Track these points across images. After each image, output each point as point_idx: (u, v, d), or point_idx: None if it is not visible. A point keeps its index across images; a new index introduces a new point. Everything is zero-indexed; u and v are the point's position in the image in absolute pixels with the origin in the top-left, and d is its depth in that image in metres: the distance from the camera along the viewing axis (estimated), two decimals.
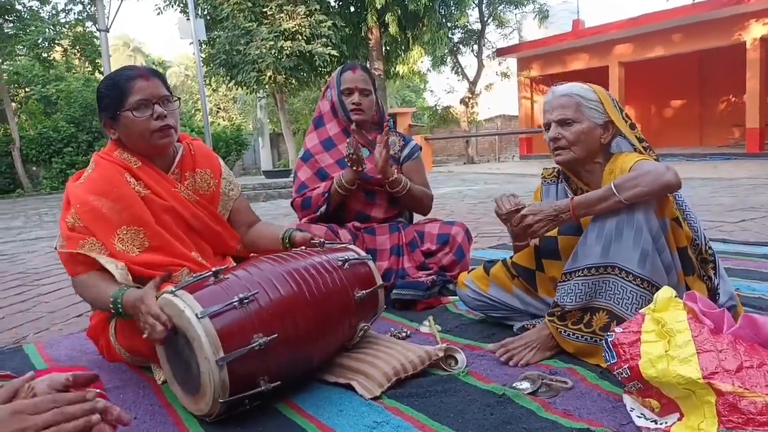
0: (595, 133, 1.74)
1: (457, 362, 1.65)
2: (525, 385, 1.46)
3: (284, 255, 1.60)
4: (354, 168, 2.34)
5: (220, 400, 1.29)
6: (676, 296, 1.27)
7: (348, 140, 2.34)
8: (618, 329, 1.28)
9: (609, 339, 1.28)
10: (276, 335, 1.35)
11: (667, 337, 1.17)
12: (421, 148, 2.69)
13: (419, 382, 1.54)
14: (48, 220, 7.44)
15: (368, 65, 14.19)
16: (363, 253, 1.71)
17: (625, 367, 1.22)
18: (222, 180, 1.94)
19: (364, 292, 1.59)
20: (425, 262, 2.39)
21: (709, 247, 1.74)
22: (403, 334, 1.91)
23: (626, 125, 1.78)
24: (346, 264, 1.60)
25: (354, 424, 1.33)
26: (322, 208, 2.42)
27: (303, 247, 1.73)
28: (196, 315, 1.29)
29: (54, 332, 2.32)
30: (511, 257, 1.88)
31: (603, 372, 1.53)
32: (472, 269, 2.02)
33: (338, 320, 1.53)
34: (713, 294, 1.66)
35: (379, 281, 1.68)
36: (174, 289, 1.36)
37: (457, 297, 2.26)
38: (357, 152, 2.31)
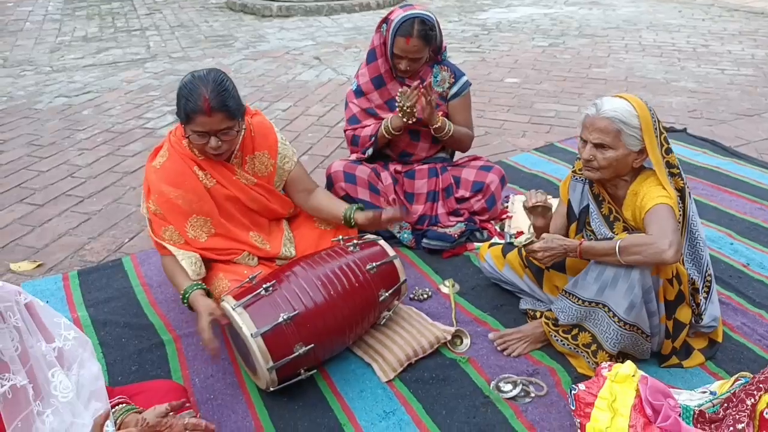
0: (629, 158, 1.80)
1: (462, 342, 2.02)
2: (508, 387, 1.83)
3: (319, 258, 1.89)
4: (405, 120, 2.43)
5: (271, 388, 1.74)
6: (634, 375, 1.52)
7: (401, 90, 2.40)
8: (582, 386, 1.58)
9: (573, 391, 1.59)
10: (313, 345, 1.73)
11: (613, 413, 1.47)
12: (470, 84, 2.68)
13: (427, 364, 1.94)
14: (121, 27, 7.59)
15: None
16: (390, 251, 1.97)
17: (578, 421, 1.55)
18: (278, 156, 2.14)
19: (387, 293, 1.90)
20: (458, 209, 2.61)
21: (709, 274, 1.90)
22: (424, 296, 2.26)
23: (661, 151, 1.80)
24: (374, 269, 1.89)
25: (369, 410, 1.78)
26: (369, 151, 2.58)
27: (339, 244, 1.99)
28: (251, 334, 1.67)
29: (145, 237, 2.78)
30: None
31: (577, 376, 1.87)
32: (492, 244, 2.25)
33: (364, 316, 1.88)
34: (698, 317, 1.88)
35: (402, 277, 1.97)
36: (234, 306, 1.72)
37: (480, 244, 2.54)
38: (411, 105, 2.38)
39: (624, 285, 1.70)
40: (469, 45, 6.34)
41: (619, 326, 1.74)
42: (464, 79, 2.65)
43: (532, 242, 1.83)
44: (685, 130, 3.88)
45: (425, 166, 2.64)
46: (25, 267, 2.56)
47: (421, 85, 2.37)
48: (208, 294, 1.92)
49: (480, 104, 4.43)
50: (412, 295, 2.26)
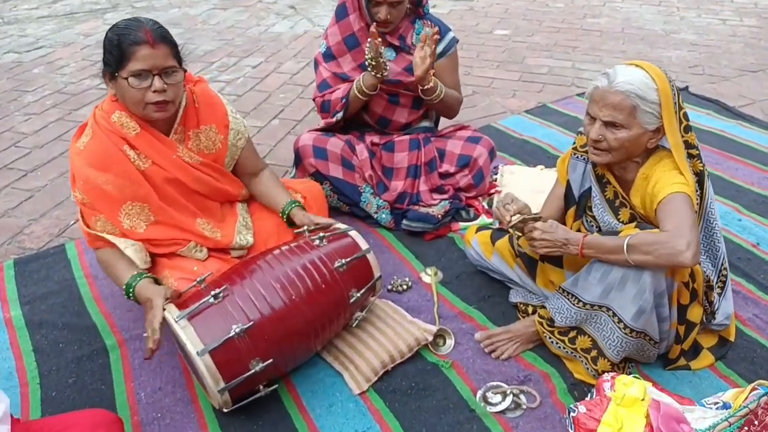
0: (643, 138, 1.54)
1: (445, 343, 1.80)
2: (497, 399, 1.61)
3: (279, 254, 1.63)
4: (375, 74, 2.13)
5: (224, 409, 1.50)
6: (644, 399, 1.30)
7: (368, 42, 2.08)
8: (582, 408, 1.36)
9: (572, 413, 1.37)
10: (272, 360, 1.49)
11: None
12: (458, 41, 2.36)
13: (406, 370, 1.71)
14: None
15: None
16: (363, 244, 1.71)
17: None
18: (229, 132, 1.84)
19: (359, 293, 1.66)
20: (442, 185, 2.34)
21: (724, 268, 1.67)
22: (404, 287, 2.02)
23: (679, 129, 1.54)
24: (343, 266, 1.63)
25: (339, 429, 1.56)
26: (339, 114, 2.28)
27: (303, 236, 1.72)
28: (197, 352, 1.42)
29: None
30: (518, 237, 1.85)
31: (574, 383, 1.66)
32: (480, 228, 2.00)
33: (332, 320, 1.64)
34: (710, 315, 1.66)
35: (377, 273, 1.72)
36: (177, 318, 1.46)
37: (467, 225, 2.29)
38: (377, 56, 2.08)
39: (633, 288, 1.46)
40: None
41: (625, 333, 1.51)
42: (450, 35, 2.34)
43: (532, 219, 1.58)
44: (687, 88, 3.59)
45: (406, 137, 2.35)
46: None
47: (429, 37, 2.05)
48: (158, 282, 1.66)
49: (467, 60, 4.09)
50: (389, 287, 2.02)
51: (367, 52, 2.10)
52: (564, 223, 1.86)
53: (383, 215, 2.29)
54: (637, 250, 1.42)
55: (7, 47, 4.59)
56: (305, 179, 2.18)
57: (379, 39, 2.05)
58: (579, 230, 1.81)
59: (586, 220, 1.79)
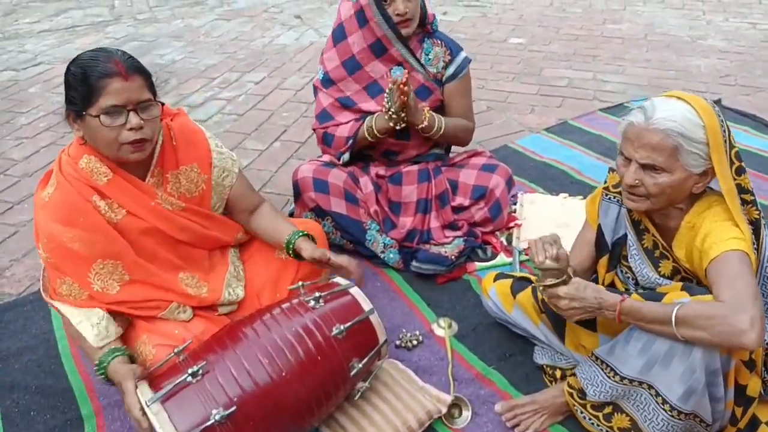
0: (687, 183, 1.32)
1: (460, 414, 1.58)
2: None
3: (268, 319, 1.42)
4: (392, 123, 1.93)
5: None
6: None
7: (389, 88, 1.87)
8: None
9: None
10: None
11: None
12: (470, 61, 2.14)
13: None
14: None
15: None
16: (366, 304, 1.50)
17: None
18: (213, 170, 1.65)
19: (361, 363, 1.44)
20: (455, 221, 2.12)
21: None
22: (414, 342, 1.80)
23: (731, 171, 1.31)
24: (343, 333, 1.42)
25: None
26: (345, 157, 2.07)
27: (298, 293, 1.52)
28: None
29: None
30: (538, 281, 1.62)
31: None
32: (499, 276, 1.77)
33: (329, 395, 1.42)
34: None
35: (382, 337, 1.51)
36: (149, 402, 1.26)
37: (484, 264, 2.07)
38: (398, 108, 1.87)
39: (681, 365, 1.23)
40: None
41: (671, 415, 1.28)
42: (462, 55, 2.12)
43: (555, 284, 1.35)
44: (719, 101, 3.33)
45: (414, 168, 2.14)
46: None
47: (400, 83, 1.83)
48: (132, 359, 1.46)
49: (481, 72, 3.87)
50: (398, 342, 1.80)
51: (387, 101, 1.90)
52: (595, 273, 1.65)
53: (391, 255, 2.08)
54: (689, 324, 1.19)
55: (5, 64, 4.45)
56: (303, 219, 1.97)
57: (407, 88, 1.83)
58: (613, 282, 1.59)
59: (621, 271, 1.57)
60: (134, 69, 1.41)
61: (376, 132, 1.98)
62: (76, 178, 1.47)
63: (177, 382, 1.30)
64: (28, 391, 1.74)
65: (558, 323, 1.60)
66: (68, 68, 1.41)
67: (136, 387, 1.32)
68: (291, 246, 1.63)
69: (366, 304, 1.50)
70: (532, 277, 1.72)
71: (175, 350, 1.39)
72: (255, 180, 2.76)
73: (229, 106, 3.60)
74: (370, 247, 2.09)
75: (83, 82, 1.37)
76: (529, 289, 1.66)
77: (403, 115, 1.91)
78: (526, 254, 2.11)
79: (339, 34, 2.05)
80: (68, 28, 5.31)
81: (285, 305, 1.48)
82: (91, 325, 1.44)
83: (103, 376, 1.42)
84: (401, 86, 1.81)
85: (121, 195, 1.50)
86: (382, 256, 2.09)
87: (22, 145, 3.24)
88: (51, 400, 1.71)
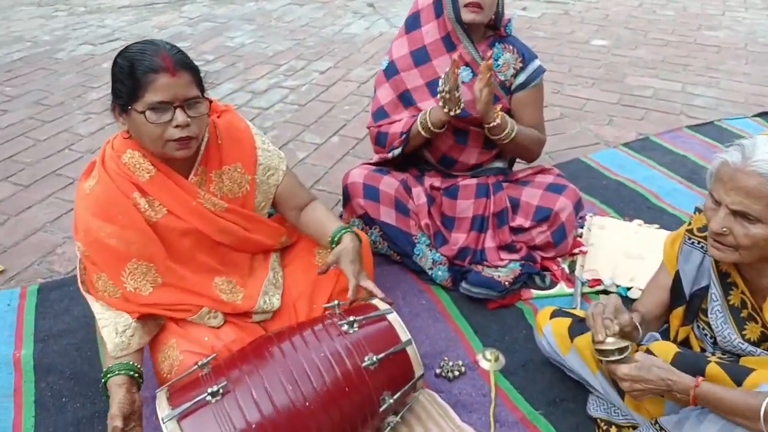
0: None
1: None
2: None
3: (297, 340, 1.33)
4: (447, 110, 1.78)
5: None
6: None
7: (445, 72, 1.73)
8: None
9: None
10: None
11: None
12: (544, 71, 1.95)
13: None
14: None
15: None
16: (404, 334, 1.37)
17: None
18: (258, 168, 1.56)
19: (393, 398, 1.32)
20: (513, 242, 1.95)
21: None
22: (456, 372, 1.66)
23: None
24: (375, 364, 1.30)
25: None
26: (396, 151, 1.94)
27: (333, 313, 1.41)
28: None
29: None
30: (597, 350, 1.44)
31: None
32: (557, 312, 1.60)
33: (356, 430, 1.31)
34: None
35: (419, 371, 1.38)
36: (165, 419, 1.20)
37: (541, 293, 1.90)
38: (453, 91, 1.72)
39: None
40: None
41: None
42: (535, 64, 1.93)
43: (615, 360, 1.19)
44: None
45: (473, 182, 1.98)
46: None
47: (484, 64, 1.68)
48: (137, 377, 1.38)
49: (557, 75, 3.63)
50: (438, 370, 1.67)
51: (442, 83, 1.75)
52: (667, 323, 1.45)
53: (439, 272, 1.94)
54: None
55: (84, 38, 4.59)
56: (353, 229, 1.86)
57: (461, 67, 1.68)
58: (687, 338, 1.40)
59: (699, 327, 1.37)
60: (182, 64, 1.34)
61: (430, 125, 1.83)
62: (117, 174, 1.42)
63: (196, 400, 1.22)
64: (62, 376, 1.73)
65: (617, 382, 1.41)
66: (116, 60, 1.36)
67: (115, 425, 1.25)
68: (336, 238, 1.52)
69: (404, 334, 1.38)
70: None
71: (199, 363, 1.33)
72: (308, 175, 2.69)
73: (292, 95, 3.54)
74: (418, 262, 1.96)
75: (130, 76, 1.31)
76: (589, 335, 1.48)
77: (458, 95, 1.73)
78: (590, 286, 1.93)
79: (413, 22, 1.93)
80: (147, 5, 5.42)
81: (317, 326, 1.38)
82: (116, 332, 1.39)
83: (103, 383, 1.37)
84: (485, 64, 1.67)
85: (162, 193, 1.44)
86: (429, 272, 1.95)
87: (89, 120, 3.31)
88: (83, 388, 1.69)
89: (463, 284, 1.88)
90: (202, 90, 1.40)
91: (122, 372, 1.34)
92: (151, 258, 1.43)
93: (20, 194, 2.63)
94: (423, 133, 1.87)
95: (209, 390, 1.23)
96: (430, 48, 1.92)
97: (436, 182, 1.99)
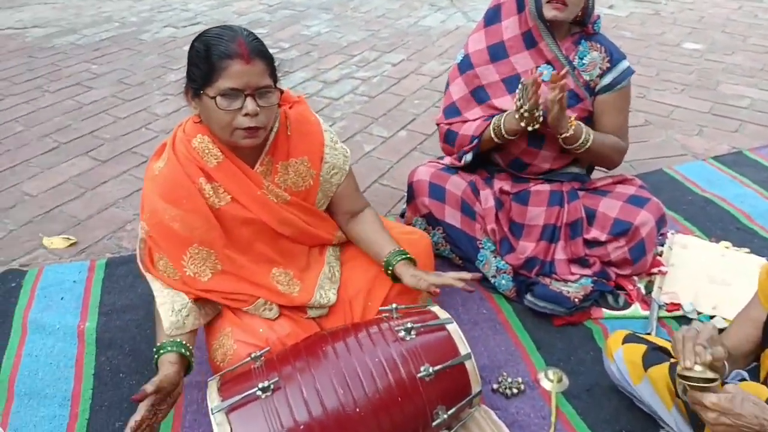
0: None
1: None
2: None
3: (352, 342, 1.28)
4: (523, 123, 1.68)
5: None
6: None
7: (524, 85, 1.63)
8: None
9: None
10: None
11: None
12: (633, 73, 1.81)
13: None
14: None
15: None
16: (463, 347, 1.30)
17: None
18: (323, 166, 1.52)
19: (447, 414, 1.25)
20: (586, 256, 1.83)
21: None
22: (514, 390, 1.57)
23: None
24: (431, 375, 1.24)
25: None
26: (467, 157, 1.86)
27: (389, 318, 1.35)
28: None
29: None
30: (681, 375, 1.30)
31: None
32: (630, 337, 1.47)
33: None
34: None
35: (476, 387, 1.30)
36: (214, 410, 1.18)
37: (613, 314, 1.78)
38: (533, 106, 1.63)
39: None
40: None
41: None
42: (624, 65, 1.80)
43: (701, 387, 1.07)
44: None
45: (546, 187, 1.87)
46: (57, 244, 2.24)
47: (557, 75, 1.59)
48: (188, 356, 1.37)
49: (644, 78, 3.40)
50: (495, 385, 1.59)
51: (520, 98, 1.65)
52: (757, 362, 1.30)
53: (503, 281, 1.85)
54: None
55: (167, 21, 4.73)
56: (412, 229, 1.79)
57: (563, 82, 1.58)
58: None
59: None
60: (257, 52, 1.31)
61: (504, 132, 1.74)
62: (186, 157, 1.41)
63: (246, 394, 1.20)
64: (122, 352, 1.77)
65: (696, 416, 1.28)
66: (193, 43, 1.35)
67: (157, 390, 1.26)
68: (390, 268, 1.50)
69: (463, 347, 1.30)
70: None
71: (252, 355, 1.31)
72: (372, 169, 2.64)
73: (363, 86, 3.50)
74: (481, 268, 1.87)
75: (205, 60, 1.30)
76: (665, 366, 1.35)
77: (537, 114, 1.65)
78: (668, 310, 1.78)
79: (493, 16, 1.83)
80: None
81: (372, 329, 1.33)
82: (172, 311, 1.39)
83: (156, 359, 1.37)
84: (558, 78, 1.56)
85: (228, 180, 1.43)
86: (492, 280, 1.86)
87: (167, 101, 3.40)
88: (140, 365, 1.72)
89: (528, 297, 1.78)
90: (275, 80, 1.37)
91: (174, 350, 1.34)
92: (211, 244, 1.42)
93: (98, 169, 2.73)
94: (495, 139, 1.78)
95: (260, 385, 1.20)
96: (509, 44, 1.81)
97: (506, 186, 1.89)
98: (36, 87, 3.58)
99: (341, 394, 1.20)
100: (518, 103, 1.65)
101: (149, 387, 1.25)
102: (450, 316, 1.35)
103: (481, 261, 1.87)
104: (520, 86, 1.65)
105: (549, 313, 1.76)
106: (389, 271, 1.50)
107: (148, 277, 1.46)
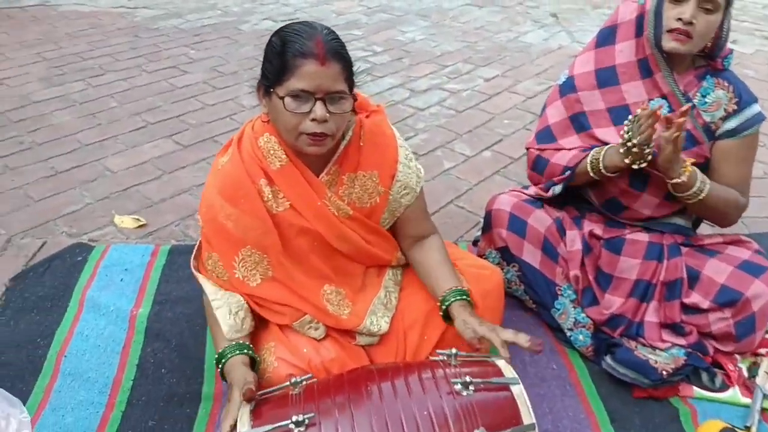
0: None
1: None
2: None
3: (401, 386, 1.14)
4: (628, 160, 1.49)
5: None
6: None
7: (635, 117, 1.44)
8: None
9: None
10: None
11: None
12: (764, 119, 1.56)
13: None
14: None
15: None
16: (528, 416, 1.12)
17: None
18: (394, 185, 1.40)
19: None
20: (682, 323, 1.59)
21: None
22: None
23: None
24: None
25: None
26: (556, 189, 1.67)
27: (446, 365, 1.20)
28: None
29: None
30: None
31: None
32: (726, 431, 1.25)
33: None
34: None
35: None
36: None
37: (706, 395, 1.54)
38: (644, 140, 1.43)
39: None
40: None
41: None
42: (755, 109, 1.56)
43: None
44: None
45: (644, 237, 1.65)
46: (127, 224, 2.25)
47: (679, 112, 1.38)
48: (254, 363, 1.31)
49: (765, 125, 3.03)
50: None
51: (627, 129, 1.46)
52: None
53: (580, 336, 1.64)
54: None
55: (267, 14, 4.80)
56: (484, 263, 1.62)
57: (682, 120, 1.38)
58: None
59: None
60: (334, 54, 1.20)
61: (602, 167, 1.54)
62: (250, 156, 1.34)
63: (278, 425, 1.09)
64: (168, 345, 1.72)
65: None
66: (270, 38, 1.26)
67: (240, 405, 1.16)
68: (445, 305, 1.35)
69: (528, 415, 1.12)
70: None
71: (292, 380, 1.20)
72: (450, 188, 2.49)
73: (451, 99, 3.35)
74: (557, 318, 1.68)
75: (279, 57, 1.21)
76: None
77: (647, 151, 1.45)
78: None
79: (607, 36, 1.64)
80: None
81: (425, 374, 1.18)
82: (229, 313, 1.33)
83: (220, 368, 1.29)
84: (678, 116, 1.37)
85: (289, 185, 1.33)
86: (568, 333, 1.66)
87: (254, 93, 3.39)
88: (183, 363, 1.67)
89: (608, 359, 1.57)
90: (351, 86, 1.26)
91: (240, 353, 1.28)
92: (266, 249, 1.34)
93: (178, 153, 2.76)
94: (592, 173, 1.58)
95: (294, 418, 1.08)
96: (621, 70, 1.62)
97: (598, 229, 1.68)
98: (136, 65, 3.70)
99: None
100: (626, 136, 1.45)
101: (251, 384, 1.18)
102: (517, 376, 1.18)
103: (558, 310, 1.68)
104: (631, 117, 1.45)
105: (629, 382, 1.54)
106: (443, 309, 1.35)
107: (200, 278, 1.40)
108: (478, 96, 3.39)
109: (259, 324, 1.41)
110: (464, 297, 1.34)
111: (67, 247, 2.08)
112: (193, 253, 1.45)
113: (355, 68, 1.27)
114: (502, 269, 1.73)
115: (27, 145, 2.76)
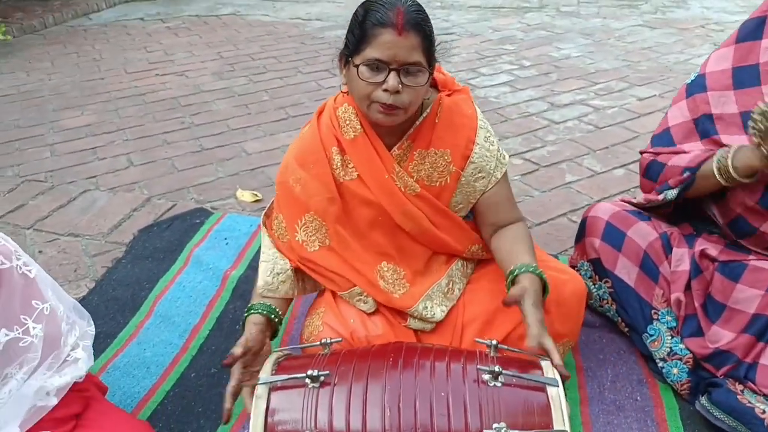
0: None
1: None
2: None
3: (423, 364, 1.07)
4: (766, 155, 1.25)
5: None
6: None
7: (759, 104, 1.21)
8: None
9: None
10: None
11: None
12: None
13: None
14: None
15: None
16: (560, 421, 0.98)
17: None
18: (467, 166, 1.33)
19: None
20: None
21: None
22: None
23: None
24: None
25: None
26: (671, 193, 1.44)
27: (483, 354, 1.10)
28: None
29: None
30: None
31: None
32: None
33: None
34: None
35: None
36: (260, 381, 1.09)
37: None
38: None
39: None
40: None
41: None
42: None
43: None
44: None
45: None
46: (246, 198, 2.44)
47: None
48: (276, 322, 1.32)
49: None
50: None
51: (758, 117, 1.22)
52: None
53: (674, 369, 1.40)
54: None
55: None
56: (564, 267, 1.45)
57: None
58: None
59: None
60: (413, 25, 1.17)
61: (731, 168, 1.29)
62: (327, 125, 1.37)
63: (294, 376, 1.09)
64: (245, 306, 1.82)
65: None
66: (357, 8, 1.28)
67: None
68: (512, 276, 1.22)
69: (560, 422, 0.98)
70: None
71: (322, 341, 1.19)
72: (565, 201, 2.31)
73: (593, 115, 3.12)
74: (648, 345, 1.45)
75: (359, 26, 1.21)
76: None
77: None
78: None
79: (752, 30, 1.41)
80: (493, 8, 5.54)
81: (455, 359, 1.09)
82: (270, 272, 1.37)
83: (243, 318, 1.33)
84: None
85: (359, 156, 1.33)
86: (660, 364, 1.43)
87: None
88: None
89: (703, 400, 1.31)
90: (430, 60, 1.23)
91: (262, 312, 1.30)
92: (326, 216, 1.35)
93: None
94: (718, 177, 1.33)
95: (309, 372, 1.07)
96: (765, 68, 1.36)
97: (713, 250, 1.42)
98: (293, 67, 4.03)
99: (388, 415, 1.01)
100: (756, 126, 1.20)
101: (237, 350, 1.22)
102: (558, 378, 1.04)
103: (652, 336, 1.45)
104: (756, 109, 1.21)
105: (726, 430, 1.27)
106: (509, 280, 1.22)
107: (263, 231, 1.46)
108: (625, 114, 3.11)
109: (314, 291, 1.43)
110: (534, 269, 1.20)
111: (190, 210, 2.32)
112: (265, 210, 1.52)
113: (436, 44, 1.23)
114: (594, 284, 1.56)
115: (186, 125, 3.14)
